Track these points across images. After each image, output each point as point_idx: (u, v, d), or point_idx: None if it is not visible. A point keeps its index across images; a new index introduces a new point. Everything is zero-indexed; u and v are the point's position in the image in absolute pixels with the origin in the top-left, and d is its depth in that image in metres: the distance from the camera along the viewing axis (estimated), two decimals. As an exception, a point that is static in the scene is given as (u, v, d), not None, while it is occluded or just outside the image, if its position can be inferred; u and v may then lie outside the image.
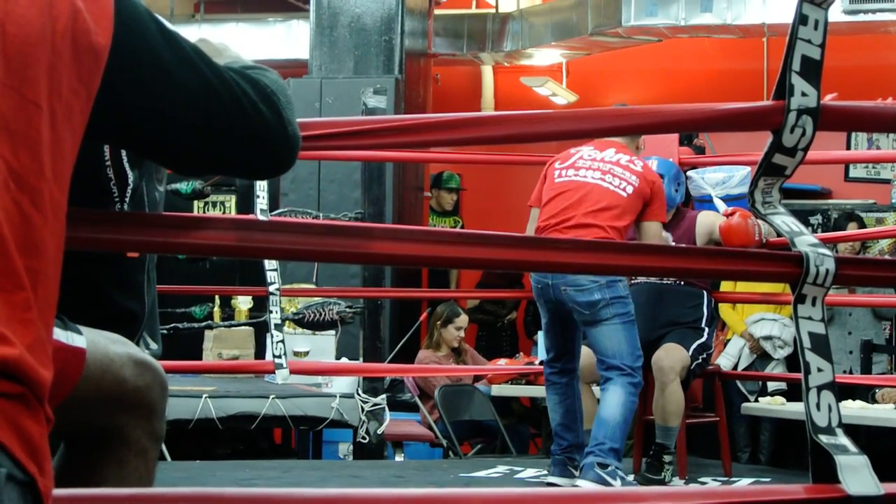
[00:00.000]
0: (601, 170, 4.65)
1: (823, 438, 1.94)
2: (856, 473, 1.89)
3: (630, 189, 4.59)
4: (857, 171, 9.24)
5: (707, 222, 5.02)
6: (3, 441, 1.10)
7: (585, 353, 4.70)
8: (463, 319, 7.21)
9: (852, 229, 6.77)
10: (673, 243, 4.88)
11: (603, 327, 4.46)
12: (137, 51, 1.35)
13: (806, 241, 2.03)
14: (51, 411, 1.18)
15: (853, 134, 8.97)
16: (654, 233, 4.66)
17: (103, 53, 1.30)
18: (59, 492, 1.19)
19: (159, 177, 2.16)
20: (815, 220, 8.05)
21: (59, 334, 1.54)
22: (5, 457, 1.10)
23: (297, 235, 1.77)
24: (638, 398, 4.54)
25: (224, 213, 8.50)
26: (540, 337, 6.48)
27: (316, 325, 5.90)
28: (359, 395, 5.66)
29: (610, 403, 4.42)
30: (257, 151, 1.49)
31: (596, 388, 4.91)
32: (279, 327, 5.46)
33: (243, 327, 6.80)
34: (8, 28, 1.19)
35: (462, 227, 9.06)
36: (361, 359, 5.98)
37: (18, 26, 1.20)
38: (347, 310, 5.87)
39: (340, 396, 5.60)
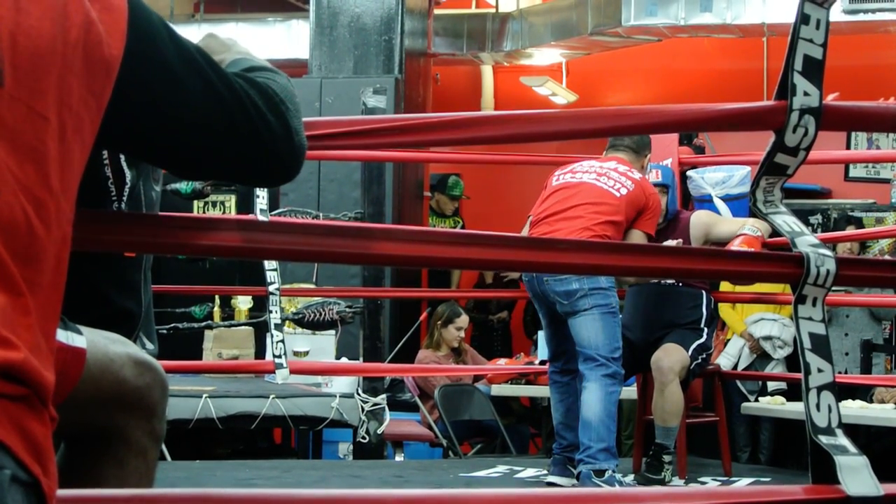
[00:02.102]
0: (597, 172, 4.70)
1: (823, 439, 1.93)
2: (855, 474, 1.89)
3: (624, 191, 4.60)
4: (856, 171, 9.24)
5: (701, 222, 5.02)
6: (8, 442, 1.10)
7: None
8: (463, 320, 7.22)
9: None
10: None
11: (581, 317, 4.47)
12: (149, 62, 1.35)
13: (807, 241, 2.03)
14: (55, 411, 1.18)
15: (853, 134, 8.97)
16: (638, 240, 4.65)
17: (115, 64, 1.29)
18: (59, 492, 1.19)
19: (156, 176, 2.16)
20: (815, 219, 8.05)
21: (60, 334, 1.53)
22: (9, 458, 1.10)
23: (299, 236, 1.77)
24: (620, 390, 4.54)
25: (224, 213, 8.49)
26: (540, 336, 6.48)
27: (316, 325, 5.89)
28: (359, 394, 5.66)
29: (588, 403, 4.42)
30: (262, 160, 1.49)
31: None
32: (279, 327, 5.46)
33: (243, 327, 6.80)
34: (19, 39, 1.18)
35: (462, 228, 9.06)
36: (361, 359, 5.98)
37: (30, 38, 1.19)
38: (347, 310, 5.87)
39: (340, 396, 5.60)
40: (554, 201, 4.68)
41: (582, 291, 4.45)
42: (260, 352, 6.74)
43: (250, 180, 1.59)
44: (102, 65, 1.27)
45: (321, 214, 6.41)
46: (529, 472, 5.13)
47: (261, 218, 5.26)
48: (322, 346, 6.51)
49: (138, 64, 1.33)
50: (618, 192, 4.60)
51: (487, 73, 10.57)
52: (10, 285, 1.15)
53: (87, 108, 1.26)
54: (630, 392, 5.42)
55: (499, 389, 6.61)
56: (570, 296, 4.47)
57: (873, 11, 8.03)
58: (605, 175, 4.67)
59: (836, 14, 7.69)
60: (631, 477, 4.87)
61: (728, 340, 6.77)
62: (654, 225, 4.73)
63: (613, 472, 4.38)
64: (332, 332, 6.29)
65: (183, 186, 5.59)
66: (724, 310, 6.58)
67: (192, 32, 8.59)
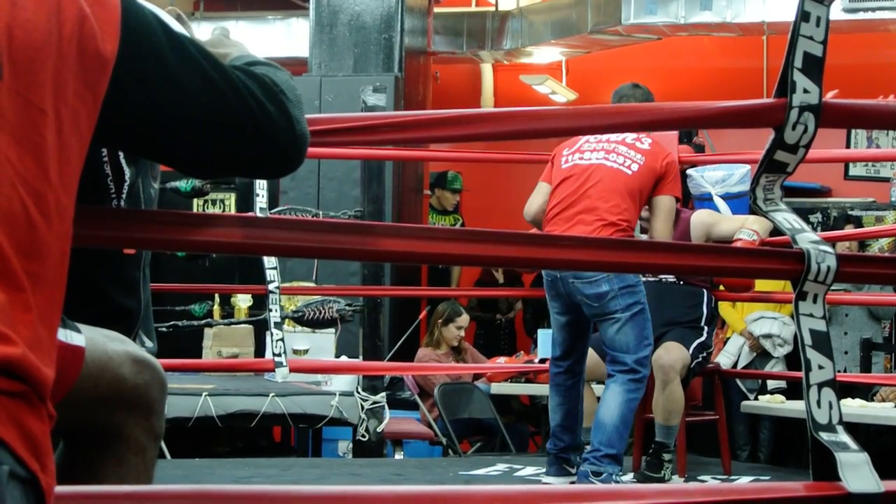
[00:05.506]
0: (605, 149, 4.56)
1: (824, 435, 1.93)
2: (856, 471, 1.89)
3: (635, 167, 4.50)
4: (856, 170, 9.24)
5: (702, 222, 5.00)
6: (6, 438, 1.10)
7: (589, 351, 4.67)
8: (464, 319, 7.21)
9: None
10: None
11: (613, 321, 4.38)
12: (143, 56, 1.35)
13: (807, 237, 2.03)
14: (53, 408, 1.18)
15: (853, 132, 8.98)
16: (666, 206, 4.58)
17: (110, 59, 1.29)
18: (58, 489, 1.19)
19: (154, 174, 2.16)
20: (815, 218, 8.04)
21: (59, 333, 1.53)
22: (7, 454, 1.10)
23: (300, 232, 1.77)
24: (641, 394, 4.49)
25: (223, 211, 8.48)
26: (540, 335, 6.48)
27: (315, 324, 5.89)
28: (358, 393, 5.65)
29: (608, 404, 4.36)
30: (265, 151, 1.48)
31: (598, 387, 4.91)
32: (279, 325, 5.45)
33: (243, 325, 6.80)
34: (15, 33, 1.19)
35: (462, 226, 9.05)
36: (361, 357, 5.97)
37: (25, 31, 1.20)
38: (347, 308, 5.86)
39: (340, 394, 5.60)
40: (567, 192, 4.53)
41: (613, 293, 4.35)
42: (259, 350, 6.73)
43: (254, 172, 1.58)
44: (97, 59, 1.27)
45: (321, 213, 6.41)
46: (529, 471, 5.12)
47: (260, 216, 5.26)
48: (322, 345, 6.50)
49: (133, 59, 1.33)
50: (629, 168, 4.50)
51: (487, 71, 10.57)
52: (12, 280, 1.15)
53: (82, 101, 1.26)
54: (630, 390, 5.42)
55: (498, 388, 6.60)
56: (601, 298, 4.37)
57: (873, 10, 8.04)
58: (614, 151, 4.53)
59: (836, 13, 7.69)
60: (631, 475, 4.87)
61: (728, 339, 6.78)
62: (678, 186, 4.64)
63: (612, 475, 4.34)
64: (332, 330, 6.28)
65: (182, 184, 5.59)
66: (724, 308, 6.59)
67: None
